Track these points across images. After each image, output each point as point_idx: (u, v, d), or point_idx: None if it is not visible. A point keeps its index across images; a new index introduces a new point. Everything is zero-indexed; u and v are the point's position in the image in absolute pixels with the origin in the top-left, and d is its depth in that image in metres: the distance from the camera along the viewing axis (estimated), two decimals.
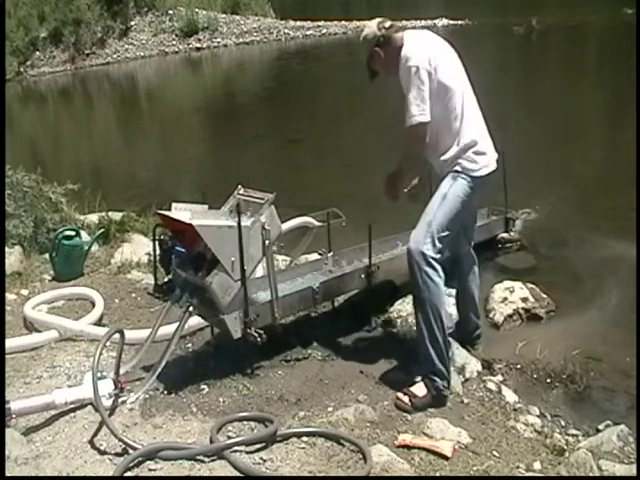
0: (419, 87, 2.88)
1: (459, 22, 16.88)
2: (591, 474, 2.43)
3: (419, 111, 2.88)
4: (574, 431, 2.87)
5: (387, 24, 3.09)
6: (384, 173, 3.26)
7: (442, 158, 3.02)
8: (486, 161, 3.05)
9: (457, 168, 3.00)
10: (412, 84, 2.88)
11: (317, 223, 3.78)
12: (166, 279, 4.07)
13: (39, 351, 3.45)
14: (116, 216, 5.28)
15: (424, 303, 2.92)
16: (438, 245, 2.93)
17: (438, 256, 2.93)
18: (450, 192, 2.97)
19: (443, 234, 2.95)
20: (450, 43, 3.14)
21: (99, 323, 3.72)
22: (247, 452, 2.52)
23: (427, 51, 2.96)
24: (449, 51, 3.10)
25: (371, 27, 3.10)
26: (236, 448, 2.51)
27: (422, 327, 2.95)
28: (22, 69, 17.39)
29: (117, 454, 2.53)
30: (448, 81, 2.96)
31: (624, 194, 5.26)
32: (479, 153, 3.02)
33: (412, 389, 2.93)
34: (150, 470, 2.43)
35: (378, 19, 3.14)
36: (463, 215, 3.05)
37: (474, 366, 3.26)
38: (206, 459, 2.48)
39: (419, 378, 2.99)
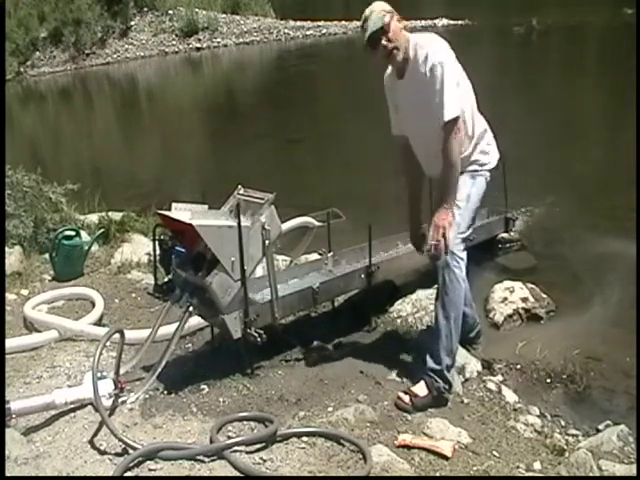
0: (450, 81, 2.85)
1: (459, 22, 16.86)
2: (591, 474, 2.43)
3: (454, 105, 2.86)
4: (574, 431, 2.87)
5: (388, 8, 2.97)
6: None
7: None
8: (495, 148, 3.12)
9: (474, 167, 3.03)
10: (444, 79, 2.83)
11: (317, 223, 3.78)
12: (166, 279, 4.07)
13: (39, 351, 3.45)
14: (116, 216, 5.28)
15: (448, 302, 2.95)
16: (464, 244, 2.99)
17: (464, 254, 2.98)
18: (473, 192, 3.02)
19: (468, 233, 3.04)
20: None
21: (99, 323, 3.72)
22: (247, 452, 2.52)
23: (445, 47, 2.94)
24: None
25: (375, 10, 2.94)
26: (236, 448, 2.51)
27: (441, 325, 2.96)
28: (22, 69, 17.41)
29: (117, 454, 2.53)
30: (463, 78, 2.97)
31: (624, 194, 5.26)
32: (490, 143, 3.09)
33: (413, 388, 2.94)
34: (150, 470, 2.43)
35: (379, 3, 3.00)
36: (479, 210, 3.13)
37: (474, 366, 3.26)
38: (206, 459, 2.48)
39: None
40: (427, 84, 2.88)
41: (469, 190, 3.00)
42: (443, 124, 2.86)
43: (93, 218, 5.31)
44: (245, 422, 2.73)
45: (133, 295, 4.15)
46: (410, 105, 3.05)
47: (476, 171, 3.03)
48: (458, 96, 2.88)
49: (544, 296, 3.93)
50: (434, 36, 3.01)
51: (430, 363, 2.96)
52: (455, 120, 2.87)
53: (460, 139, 2.93)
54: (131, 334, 3.26)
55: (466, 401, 3.01)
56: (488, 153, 3.08)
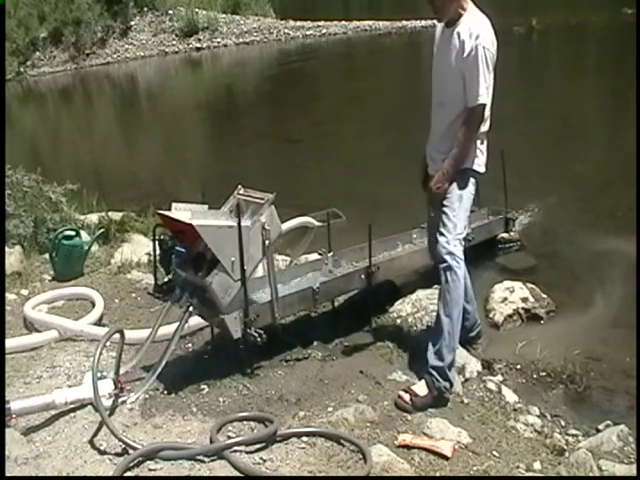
0: (487, 68, 2.91)
1: None
2: (591, 474, 2.43)
3: (485, 92, 2.92)
4: (574, 431, 2.87)
5: None
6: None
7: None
8: (486, 158, 3.15)
9: (466, 166, 3.06)
10: (482, 63, 2.90)
11: (317, 223, 3.77)
12: (166, 279, 4.06)
13: (39, 351, 3.45)
14: (116, 216, 5.28)
15: (450, 301, 2.99)
16: (462, 245, 3.04)
17: (462, 254, 3.03)
18: (465, 193, 3.07)
19: (464, 233, 3.10)
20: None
21: (99, 323, 3.72)
22: (247, 452, 2.52)
23: (492, 35, 2.98)
24: None
25: None
26: (236, 448, 2.51)
27: (443, 323, 2.99)
28: (22, 69, 17.36)
29: (117, 454, 2.53)
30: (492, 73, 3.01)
31: (624, 194, 5.27)
32: (483, 149, 3.12)
33: (414, 388, 2.94)
34: (150, 470, 2.43)
35: None
36: (469, 211, 3.19)
37: (474, 366, 3.27)
38: (206, 459, 2.48)
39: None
40: (464, 59, 2.93)
41: (462, 191, 3.06)
42: (473, 106, 2.92)
43: (93, 218, 5.30)
44: (245, 422, 2.73)
45: (133, 295, 4.15)
46: (440, 58, 3.11)
47: (465, 170, 3.07)
48: (490, 86, 2.94)
49: (544, 296, 3.93)
50: (482, 16, 3.04)
51: (432, 360, 2.97)
52: (483, 107, 2.93)
53: (479, 127, 2.99)
54: (131, 334, 3.26)
55: (466, 401, 3.01)
56: (479, 157, 3.10)
